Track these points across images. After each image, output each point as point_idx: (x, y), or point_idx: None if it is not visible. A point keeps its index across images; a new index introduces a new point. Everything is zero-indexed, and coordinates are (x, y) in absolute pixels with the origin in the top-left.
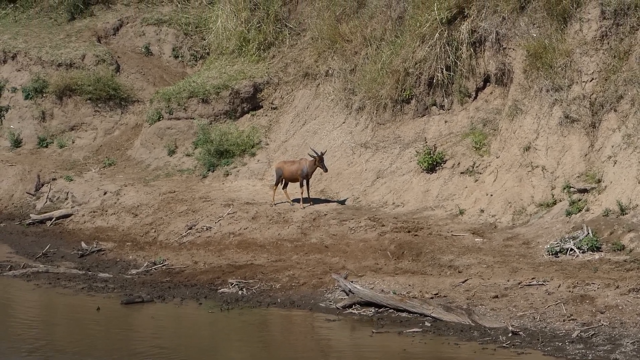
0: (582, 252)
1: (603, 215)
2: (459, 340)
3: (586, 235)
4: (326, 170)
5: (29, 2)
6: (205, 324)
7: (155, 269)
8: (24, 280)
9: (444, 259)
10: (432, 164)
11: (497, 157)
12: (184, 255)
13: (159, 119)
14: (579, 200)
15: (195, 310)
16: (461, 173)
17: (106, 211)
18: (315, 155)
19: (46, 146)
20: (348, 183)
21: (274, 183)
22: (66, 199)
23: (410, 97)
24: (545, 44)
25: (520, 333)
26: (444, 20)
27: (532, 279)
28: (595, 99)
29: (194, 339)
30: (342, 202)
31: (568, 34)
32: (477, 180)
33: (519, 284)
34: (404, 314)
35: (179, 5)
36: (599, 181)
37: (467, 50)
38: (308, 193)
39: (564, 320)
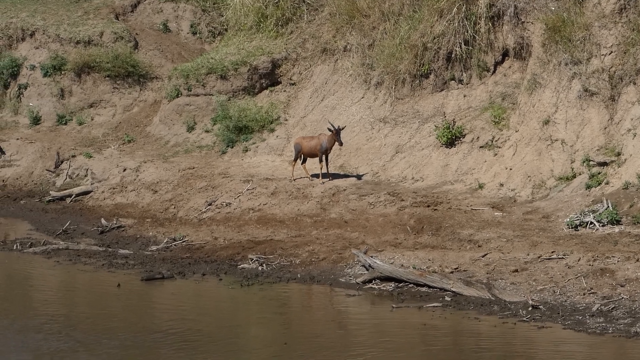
0: (602, 226)
1: (623, 189)
2: (479, 315)
3: (606, 209)
4: (341, 144)
5: None
6: (225, 300)
7: (175, 245)
8: (45, 257)
9: (464, 233)
10: (451, 139)
11: (516, 131)
12: (204, 231)
13: (177, 96)
14: (599, 173)
15: (215, 286)
16: (480, 147)
17: (126, 188)
18: (333, 128)
19: (65, 123)
20: (367, 158)
21: (293, 159)
22: (85, 175)
23: (428, 71)
24: (563, 17)
25: (540, 307)
26: None
27: (552, 252)
28: (614, 72)
29: (214, 315)
30: (359, 177)
31: (587, 7)
32: (496, 155)
33: (539, 257)
34: (423, 289)
35: None
36: (619, 154)
37: (486, 25)
38: (327, 168)
39: (584, 294)
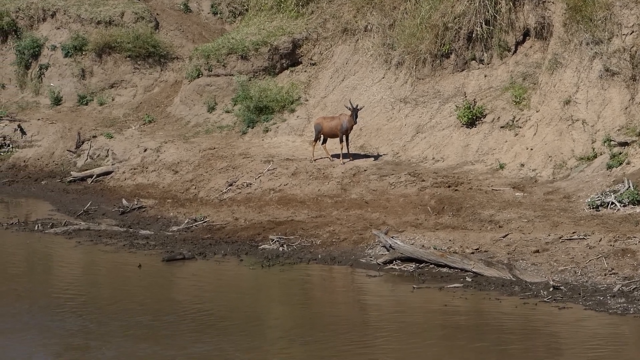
0: (623, 206)
1: None
2: (500, 295)
3: (627, 189)
4: (355, 123)
5: None
6: (246, 281)
7: (196, 225)
8: (66, 237)
9: (485, 214)
10: (472, 119)
11: (537, 111)
12: (225, 212)
13: (198, 76)
14: (620, 153)
15: (236, 266)
16: (501, 127)
17: (146, 168)
18: (351, 107)
19: (86, 104)
20: (388, 138)
21: (314, 139)
22: (106, 156)
23: (449, 51)
24: None
25: (562, 287)
26: None
27: (573, 233)
28: (636, 51)
29: (235, 295)
30: (377, 158)
31: None
32: (517, 135)
33: (560, 238)
34: (444, 270)
35: None
36: None
37: (507, 4)
38: (348, 149)
39: (605, 275)
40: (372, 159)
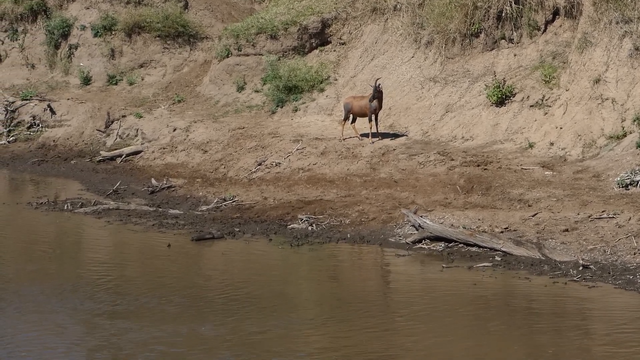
0: None
1: None
2: (530, 274)
3: None
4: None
5: None
6: (275, 260)
7: (225, 205)
8: (95, 217)
9: (514, 193)
10: (502, 98)
11: (566, 90)
12: (254, 191)
13: (227, 56)
14: None
15: (265, 246)
16: (530, 106)
17: (176, 148)
18: (373, 87)
19: (115, 83)
20: (417, 117)
21: (343, 118)
22: (136, 135)
23: (479, 30)
24: None
25: (591, 266)
26: None
27: (603, 212)
28: None
29: (265, 275)
30: (397, 136)
31: None
32: (546, 114)
33: (589, 217)
34: (473, 249)
35: None
36: None
37: None
38: (377, 128)
39: (634, 253)
40: (402, 138)
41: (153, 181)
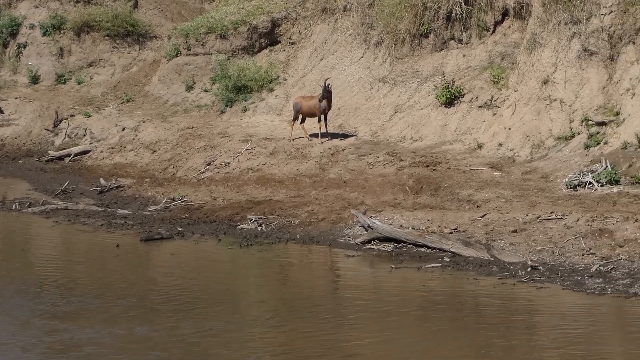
0: (601, 186)
1: (621, 148)
2: (478, 275)
3: (604, 169)
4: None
5: None
6: (224, 261)
7: (174, 205)
8: (43, 217)
9: (463, 194)
10: (450, 98)
11: (515, 91)
12: (203, 191)
13: (176, 55)
14: (597, 133)
15: (214, 246)
16: (479, 107)
17: (124, 147)
18: (322, 86)
19: (64, 82)
20: (366, 118)
21: (292, 118)
22: (84, 135)
23: (428, 31)
24: None
25: (539, 267)
26: None
27: (551, 213)
28: (614, 31)
29: (214, 275)
30: (348, 136)
31: None
32: (495, 114)
33: (538, 218)
34: (422, 249)
35: None
36: (617, 114)
37: None
38: (326, 128)
39: (582, 255)
40: (351, 138)
41: (102, 181)
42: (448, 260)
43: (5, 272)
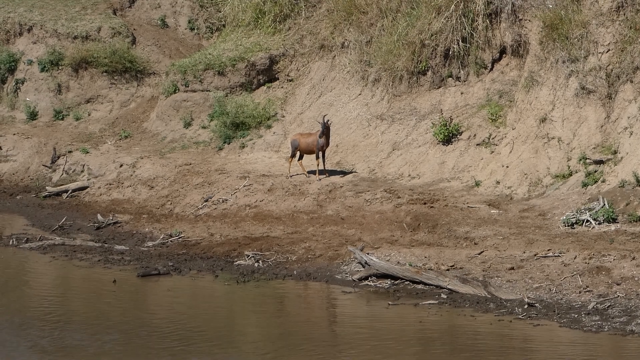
0: (598, 224)
1: (619, 187)
2: (475, 312)
3: (602, 207)
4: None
5: None
6: (221, 297)
7: (171, 241)
8: (40, 252)
9: (460, 231)
10: (448, 136)
11: (513, 129)
12: (200, 228)
13: (174, 92)
14: (595, 171)
15: (211, 282)
16: (477, 145)
17: (122, 183)
18: (321, 123)
19: (62, 119)
20: (364, 155)
21: (290, 155)
22: (82, 171)
23: (426, 68)
24: (561, 15)
25: (536, 305)
26: None
27: (548, 250)
28: (612, 70)
29: (211, 311)
30: (345, 173)
31: (584, 5)
32: (493, 152)
33: (535, 255)
34: (419, 286)
35: None
36: (615, 152)
37: (483, 22)
38: (324, 165)
39: (580, 292)
40: (349, 175)
41: (99, 217)
42: (445, 297)
43: (4, 307)
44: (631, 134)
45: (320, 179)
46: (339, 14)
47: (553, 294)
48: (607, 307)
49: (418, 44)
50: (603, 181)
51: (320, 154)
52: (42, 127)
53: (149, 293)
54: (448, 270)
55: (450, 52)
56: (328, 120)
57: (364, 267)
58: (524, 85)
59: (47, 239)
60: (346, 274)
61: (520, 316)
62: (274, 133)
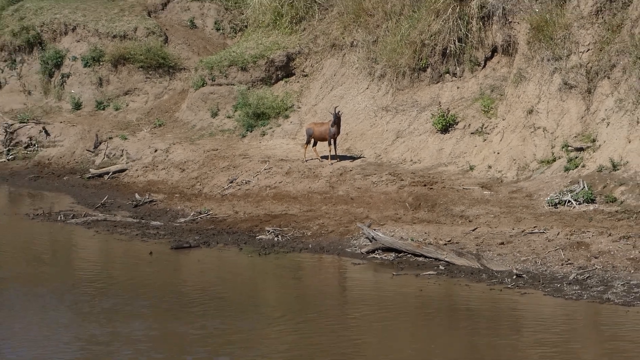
0: (579, 204)
1: (597, 171)
2: (470, 282)
3: (582, 189)
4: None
5: None
6: (245, 267)
7: (200, 217)
8: (85, 227)
9: (456, 210)
10: (446, 126)
11: (503, 119)
12: (226, 206)
13: (202, 85)
14: (576, 157)
15: (236, 254)
16: (471, 133)
17: (157, 166)
18: (333, 114)
19: (103, 109)
20: (371, 142)
21: (305, 142)
22: (121, 155)
23: (426, 65)
24: (546, 18)
25: (524, 275)
26: None
27: (534, 227)
28: (591, 67)
29: (235, 280)
30: (354, 159)
31: (567, 9)
32: (485, 140)
33: (523, 232)
34: (420, 259)
35: None
36: (594, 141)
37: (477, 24)
38: (335, 151)
39: (562, 264)
40: (358, 160)
41: (137, 196)
42: (443, 268)
43: (51, 275)
44: (608, 124)
45: (332, 163)
46: (349, 16)
47: (538, 266)
48: (586, 277)
49: (419, 44)
50: (583, 166)
51: (332, 141)
52: (85, 116)
53: (180, 263)
54: (445, 244)
55: (448, 51)
56: (339, 111)
57: (371, 241)
58: (513, 80)
59: (90, 215)
60: (355, 247)
61: (509, 285)
62: (291, 122)
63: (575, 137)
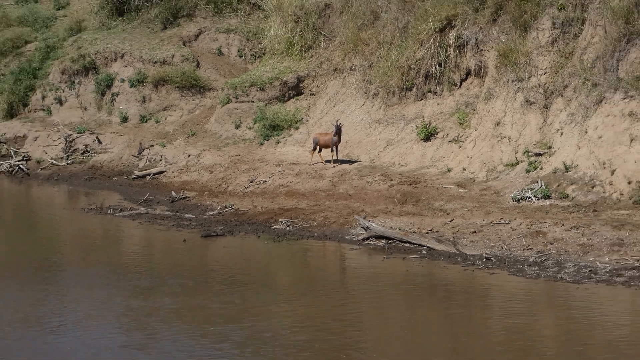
0: (537, 200)
1: (553, 173)
2: (447, 264)
3: (540, 187)
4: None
5: (132, 15)
6: (262, 252)
7: (225, 211)
8: (130, 219)
9: (436, 204)
10: (428, 135)
11: (475, 130)
12: (247, 201)
13: (228, 102)
14: (535, 161)
15: (255, 241)
16: (449, 142)
17: (189, 169)
18: (335, 125)
19: (146, 122)
20: (366, 149)
21: (312, 149)
22: (160, 160)
23: (412, 86)
24: (511, 46)
25: (492, 259)
26: (437, 29)
27: (501, 219)
28: (548, 87)
29: (254, 262)
30: (352, 162)
31: (528, 39)
32: (460, 147)
33: (491, 222)
34: (407, 245)
35: (242, 18)
36: (550, 147)
37: (454, 52)
38: (337, 156)
39: (523, 249)
40: (355, 163)
41: (173, 193)
42: (425, 252)
43: (100, 259)
44: (562, 134)
45: (334, 166)
46: (348, 45)
47: (504, 251)
48: (543, 260)
49: (406, 68)
50: (541, 169)
51: (334, 148)
52: (131, 127)
53: (209, 249)
54: (427, 233)
55: (430, 74)
56: (340, 123)
57: (366, 230)
58: (483, 98)
59: (135, 209)
60: (353, 235)
61: (480, 267)
62: (301, 133)
63: (535, 144)
